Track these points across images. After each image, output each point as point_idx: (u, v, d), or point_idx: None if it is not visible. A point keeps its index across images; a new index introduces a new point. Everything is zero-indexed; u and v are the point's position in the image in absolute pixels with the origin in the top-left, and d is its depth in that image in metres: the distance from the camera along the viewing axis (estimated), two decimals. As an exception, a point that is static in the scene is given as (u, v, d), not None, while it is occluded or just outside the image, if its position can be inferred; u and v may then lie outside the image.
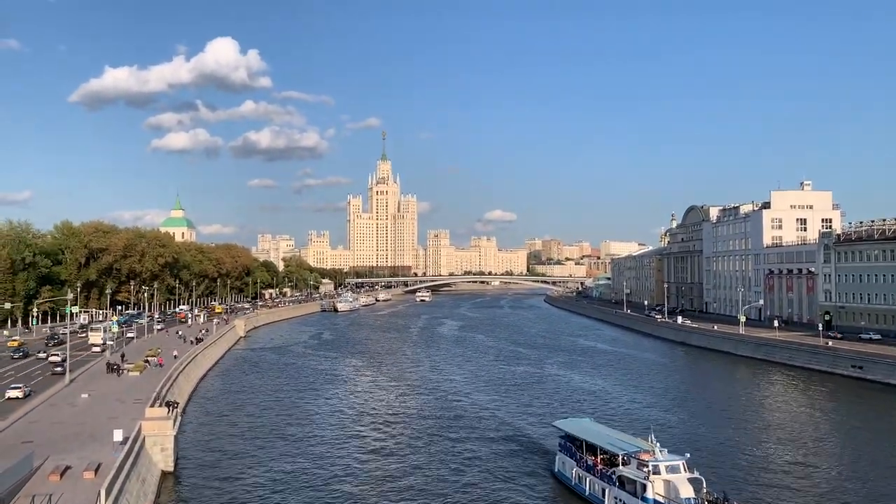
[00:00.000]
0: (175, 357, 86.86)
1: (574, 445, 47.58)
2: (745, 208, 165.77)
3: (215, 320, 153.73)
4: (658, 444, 41.43)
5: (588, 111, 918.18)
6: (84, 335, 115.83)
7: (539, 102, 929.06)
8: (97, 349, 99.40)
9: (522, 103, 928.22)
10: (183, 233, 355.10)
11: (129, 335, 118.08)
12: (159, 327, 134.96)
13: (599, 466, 43.86)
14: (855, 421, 67.87)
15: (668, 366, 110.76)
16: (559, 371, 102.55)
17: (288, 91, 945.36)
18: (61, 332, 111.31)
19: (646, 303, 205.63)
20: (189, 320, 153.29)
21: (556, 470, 49.32)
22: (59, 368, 79.20)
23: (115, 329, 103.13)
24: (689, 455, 41.26)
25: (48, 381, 74.31)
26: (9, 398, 62.72)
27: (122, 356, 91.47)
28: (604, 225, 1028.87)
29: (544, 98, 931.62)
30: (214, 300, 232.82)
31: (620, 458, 42.30)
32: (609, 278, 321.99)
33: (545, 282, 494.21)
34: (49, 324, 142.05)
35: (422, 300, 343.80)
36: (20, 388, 64.65)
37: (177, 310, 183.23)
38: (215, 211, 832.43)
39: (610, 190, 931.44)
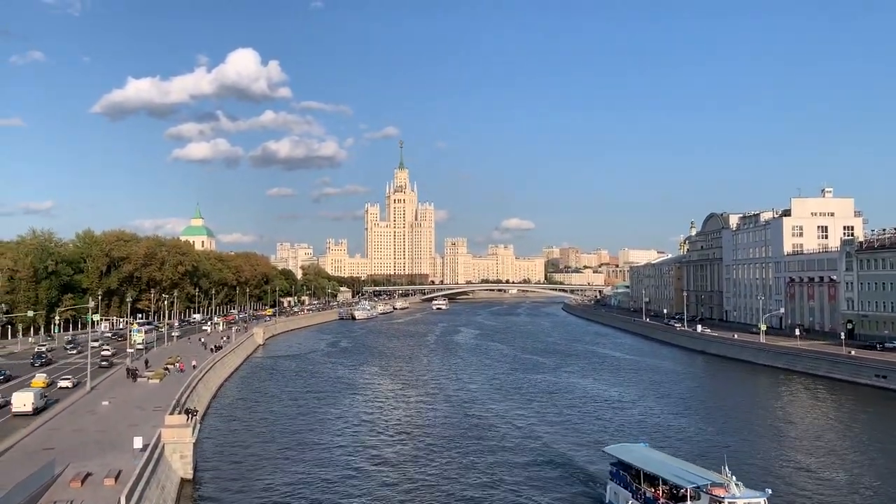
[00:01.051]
0: (194, 366, 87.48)
1: (629, 475, 43.10)
2: (766, 216, 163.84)
3: (234, 328, 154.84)
4: (734, 477, 36.60)
5: (606, 118, 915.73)
6: (122, 340, 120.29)
7: (556, 109, 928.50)
8: (140, 347, 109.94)
9: (539, 111, 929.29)
10: (203, 241, 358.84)
11: (149, 342, 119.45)
12: (177, 334, 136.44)
13: (662, 500, 39.57)
14: None
15: (688, 375, 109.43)
16: (580, 380, 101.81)
17: (307, 101, 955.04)
18: (86, 337, 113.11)
19: (665, 311, 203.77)
20: (209, 328, 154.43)
21: (606, 501, 45.36)
22: (105, 363, 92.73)
23: (140, 336, 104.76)
24: (770, 491, 36.41)
25: (96, 372, 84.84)
26: (60, 387, 73.70)
27: (147, 363, 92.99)
28: (622, 233, 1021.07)
29: (561, 105, 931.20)
30: (233, 308, 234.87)
31: (687, 491, 37.41)
32: (628, 287, 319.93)
33: (563, 290, 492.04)
34: (71, 331, 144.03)
35: (438, 308, 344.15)
36: (69, 378, 76.29)
37: (208, 316, 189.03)
38: (235, 220, 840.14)
39: (628, 198, 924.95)
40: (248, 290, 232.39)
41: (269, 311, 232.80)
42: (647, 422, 71.07)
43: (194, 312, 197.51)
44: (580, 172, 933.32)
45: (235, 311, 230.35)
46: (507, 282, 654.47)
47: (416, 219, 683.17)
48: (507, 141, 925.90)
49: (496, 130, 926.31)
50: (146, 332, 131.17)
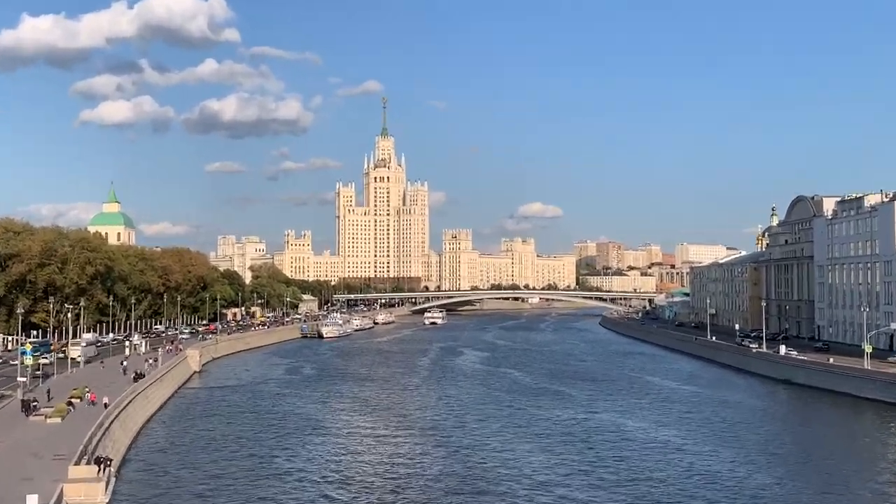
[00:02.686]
0: (105, 404, 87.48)
1: None
2: (872, 199, 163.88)
3: (160, 350, 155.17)
4: None
5: (661, 74, 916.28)
6: (11, 364, 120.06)
7: (592, 62, 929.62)
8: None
9: (568, 62, 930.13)
10: (119, 233, 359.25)
11: (44, 363, 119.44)
12: (143, 351, 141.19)
13: None
14: None
15: (768, 413, 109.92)
16: (622, 419, 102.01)
17: (261, 46, 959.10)
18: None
19: (737, 327, 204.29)
20: (127, 349, 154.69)
21: None
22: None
23: (29, 361, 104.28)
24: None
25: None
26: None
27: (48, 393, 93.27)
28: (679, 223, 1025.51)
29: (600, 56, 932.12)
30: (160, 322, 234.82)
31: None
32: (687, 294, 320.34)
33: (601, 298, 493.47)
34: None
35: (433, 323, 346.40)
36: None
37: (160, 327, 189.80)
38: (162, 205, 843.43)
39: (688, 176, 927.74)
40: (179, 299, 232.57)
41: (212, 327, 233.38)
42: (715, 477, 71.13)
43: (111, 328, 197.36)
44: (624, 143, 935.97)
45: (162, 326, 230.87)
46: (526, 287, 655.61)
47: (403, 203, 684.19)
48: (526, 101, 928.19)
49: (512, 86, 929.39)
50: (85, 346, 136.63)
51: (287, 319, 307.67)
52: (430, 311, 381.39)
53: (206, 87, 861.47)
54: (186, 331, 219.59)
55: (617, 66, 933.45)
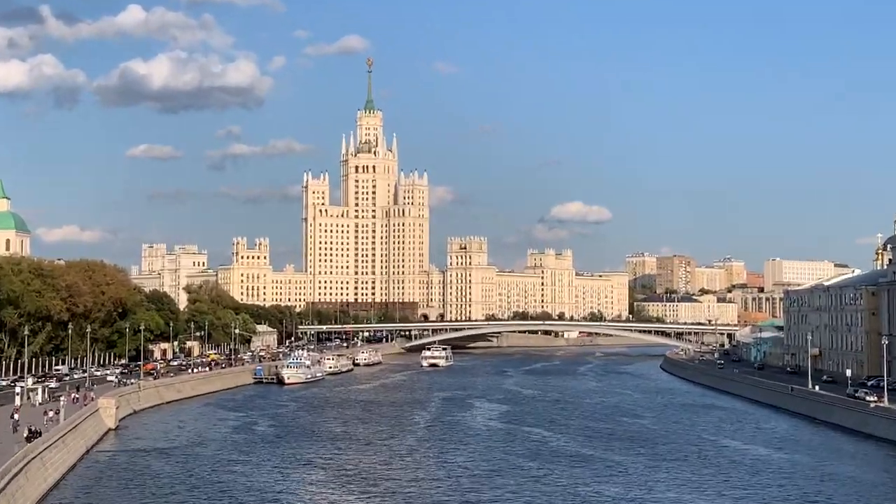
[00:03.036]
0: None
1: None
2: None
3: (63, 399, 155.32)
4: None
5: (739, 38, 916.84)
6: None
7: (649, 21, 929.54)
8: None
9: (616, 19, 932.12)
10: (8, 240, 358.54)
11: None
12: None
13: None
14: None
15: (894, 491, 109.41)
16: (691, 499, 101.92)
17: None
18: None
19: (848, 373, 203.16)
20: (18, 397, 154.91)
21: None
22: None
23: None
24: None
25: None
26: None
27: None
28: (770, 231, 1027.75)
29: (659, 16, 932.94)
30: (63, 361, 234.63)
31: None
32: (780, 327, 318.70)
33: (662, 332, 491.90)
34: None
35: (433, 364, 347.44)
36: None
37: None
38: (67, 203, 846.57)
39: (781, 171, 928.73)
40: (89, 330, 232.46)
41: (151, 366, 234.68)
42: None
43: (58, 364, 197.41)
44: (693, 126, 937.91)
45: (65, 366, 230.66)
46: (561, 317, 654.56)
47: (395, 201, 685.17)
48: (560, 67, 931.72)
49: (538, 47, 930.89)
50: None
51: (236, 358, 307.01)
52: (429, 349, 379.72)
53: (128, 43, 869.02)
54: (114, 372, 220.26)
55: (682, 30, 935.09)
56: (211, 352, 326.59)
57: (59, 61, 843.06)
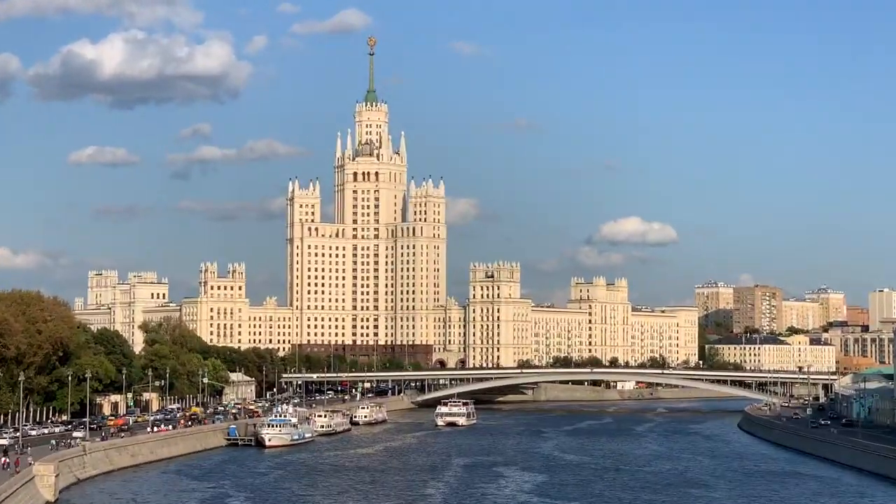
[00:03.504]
0: None
1: None
2: None
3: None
4: None
5: (835, 56, 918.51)
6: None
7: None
8: None
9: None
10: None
11: None
12: None
13: None
14: None
15: None
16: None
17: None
18: None
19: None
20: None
21: None
22: None
23: None
24: None
25: None
26: None
27: None
28: (875, 257, 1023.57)
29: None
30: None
31: None
32: (890, 376, 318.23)
33: (741, 383, 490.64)
34: None
35: (451, 423, 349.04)
36: None
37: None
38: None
39: (884, 183, 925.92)
40: (22, 378, 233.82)
41: (121, 421, 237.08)
42: None
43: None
44: (779, 127, 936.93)
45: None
46: (614, 364, 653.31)
47: (403, 218, 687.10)
48: (615, 49, 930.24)
49: (590, 24, 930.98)
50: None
51: (204, 414, 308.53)
52: (446, 404, 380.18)
53: (72, 22, 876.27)
54: (53, 431, 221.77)
55: (768, 13, 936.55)
56: (194, 406, 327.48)
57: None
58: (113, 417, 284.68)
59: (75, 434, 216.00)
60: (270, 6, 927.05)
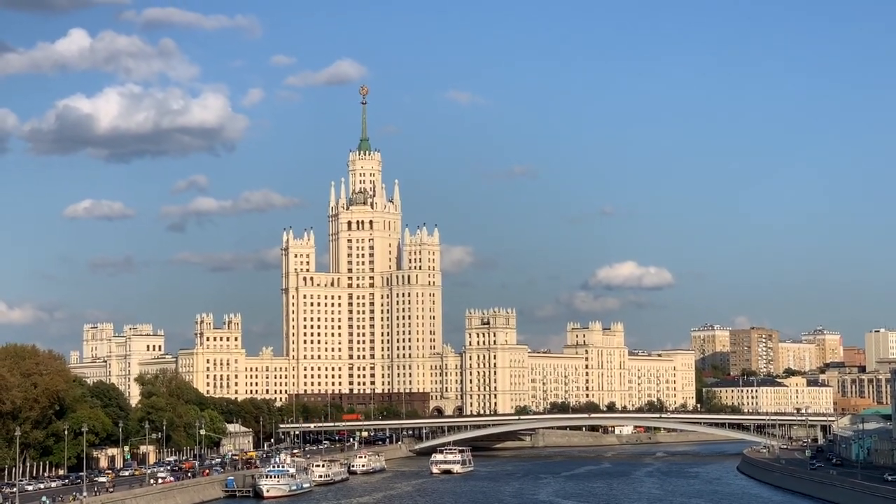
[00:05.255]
0: None
1: None
2: None
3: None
4: None
5: (816, 88, 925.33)
6: None
7: (725, 40, 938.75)
8: None
9: (680, 44, 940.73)
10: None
11: None
12: None
13: None
14: None
15: None
16: None
17: (162, 7, 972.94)
18: None
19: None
20: None
21: None
22: None
23: None
24: None
25: None
26: None
27: None
28: (872, 296, 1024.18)
29: (738, 32, 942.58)
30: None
31: None
32: (888, 416, 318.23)
33: (739, 426, 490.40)
34: None
35: (446, 471, 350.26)
36: None
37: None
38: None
39: (880, 223, 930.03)
40: (18, 433, 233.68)
41: (189, 465, 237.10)
42: None
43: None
44: (774, 171, 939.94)
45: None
46: (611, 409, 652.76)
47: (398, 266, 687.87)
48: (612, 92, 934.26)
49: (587, 72, 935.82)
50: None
51: (200, 467, 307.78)
52: (441, 451, 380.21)
53: (69, 77, 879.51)
54: (49, 486, 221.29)
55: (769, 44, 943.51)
56: (188, 460, 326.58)
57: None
58: (110, 471, 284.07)
59: (100, 479, 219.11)
60: (264, 58, 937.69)
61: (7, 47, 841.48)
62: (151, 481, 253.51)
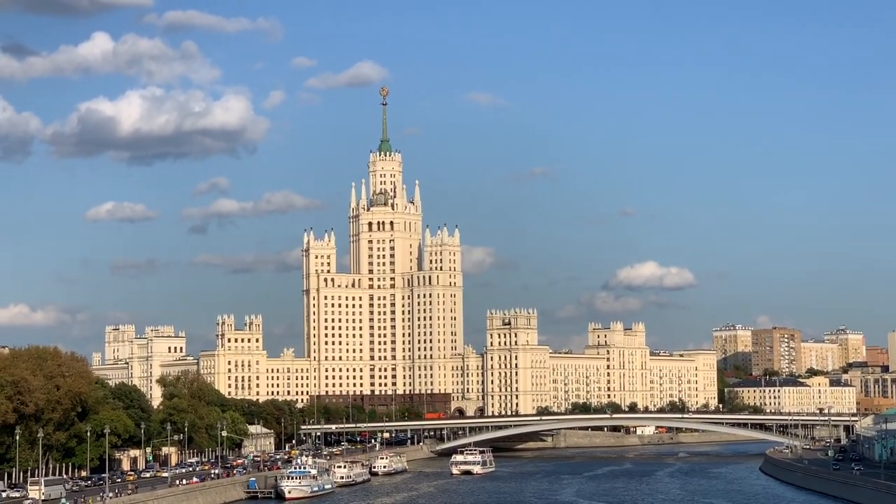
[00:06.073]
0: None
1: None
2: None
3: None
4: None
5: (839, 91, 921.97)
6: None
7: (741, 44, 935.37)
8: None
9: (706, 46, 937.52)
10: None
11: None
12: None
13: None
14: None
15: None
16: None
17: (184, 10, 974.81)
18: None
19: None
20: None
21: None
22: None
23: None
24: None
25: None
26: None
27: None
28: (891, 296, 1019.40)
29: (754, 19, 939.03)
30: (7, 475, 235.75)
31: None
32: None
33: (761, 426, 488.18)
34: None
35: (466, 472, 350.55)
36: None
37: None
38: (13, 277, 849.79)
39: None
40: (41, 434, 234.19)
41: (130, 477, 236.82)
42: None
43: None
44: (796, 171, 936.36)
45: (3, 483, 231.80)
46: (633, 409, 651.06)
47: (419, 267, 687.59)
48: (630, 95, 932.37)
49: (609, 73, 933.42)
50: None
51: (221, 467, 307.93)
52: (461, 452, 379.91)
53: (91, 81, 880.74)
54: (66, 488, 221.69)
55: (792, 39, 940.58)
56: (173, 459, 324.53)
57: (6, 103, 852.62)
58: (133, 473, 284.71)
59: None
60: (285, 61, 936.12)
61: (30, 51, 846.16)
62: (177, 482, 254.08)
